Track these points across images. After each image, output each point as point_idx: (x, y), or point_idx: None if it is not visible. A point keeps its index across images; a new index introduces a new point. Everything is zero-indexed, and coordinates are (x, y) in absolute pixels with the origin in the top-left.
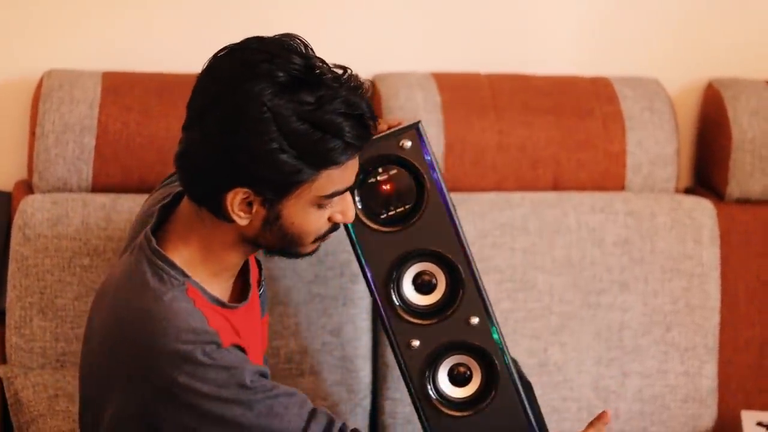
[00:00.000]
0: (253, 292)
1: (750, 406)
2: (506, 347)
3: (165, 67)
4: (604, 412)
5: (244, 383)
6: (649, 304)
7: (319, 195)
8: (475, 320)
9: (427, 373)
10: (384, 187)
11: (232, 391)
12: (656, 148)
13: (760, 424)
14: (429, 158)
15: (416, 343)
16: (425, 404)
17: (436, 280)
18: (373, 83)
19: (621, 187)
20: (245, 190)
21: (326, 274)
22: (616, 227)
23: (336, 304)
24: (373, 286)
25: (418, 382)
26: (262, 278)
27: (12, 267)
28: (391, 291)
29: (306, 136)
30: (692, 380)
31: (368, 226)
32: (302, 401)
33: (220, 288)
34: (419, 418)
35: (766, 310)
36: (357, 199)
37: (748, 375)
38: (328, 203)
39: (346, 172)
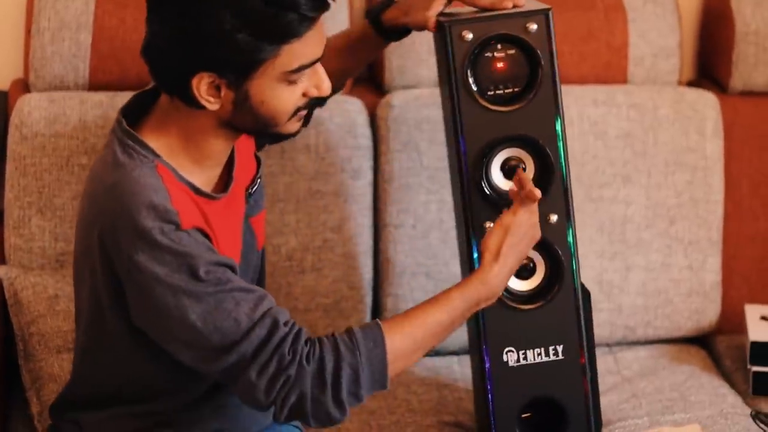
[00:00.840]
0: (235, 187)
1: (754, 300)
2: (577, 252)
3: None
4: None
5: (197, 273)
6: (652, 197)
7: (285, 71)
8: (554, 218)
9: None
10: (498, 64)
11: (182, 279)
12: (659, 40)
13: (764, 317)
14: (552, 46)
15: (490, 225)
16: None
17: (526, 169)
18: None
19: (623, 80)
20: (209, 74)
21: (327, 170)
22: (618, 120)
23: (337, 201)
24: (463, 158)
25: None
26: (258, 174)
27: (9, 166)
28: (481, 169)
29: (260, 12)
30: (696, 274)
31: (473, 98)
32: (257, 299)
33: (203, 177)
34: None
35: None
36: (469, 71)
37: (751, 269)
38: (297, 78)
39: (309, 45)
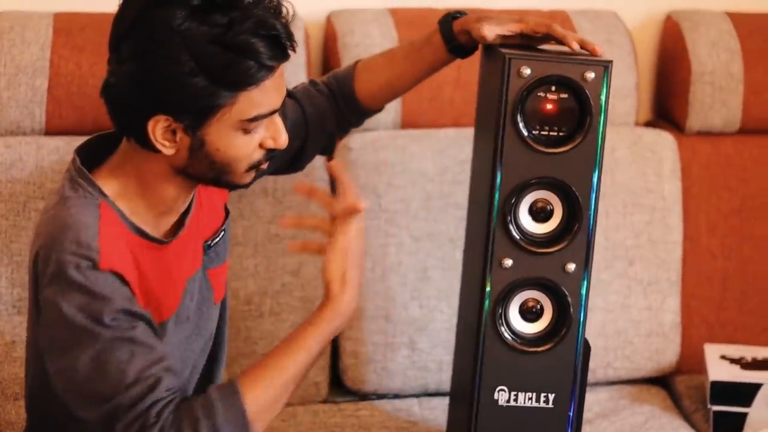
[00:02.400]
0: (187, 235)
1: (713, 340)
2: (587, 305)
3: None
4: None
5: (101, 317)
6: (611, 238)
7: (242, 119)
8: (571, 266)
9: (503, 299)
10: (548, 105)
11: (84, 319)
12: (615, 81)
13: (723, 357)
14: (606, 98)
15: (509, 262)
16: (489, 326)
17: (553, 214)
18: (328, 19)
19: None
20: (165, 117)
21: (285, 213)
22: None
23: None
24: (496, 193)
25: (493, 302)
26: (223, 226)
27: None
28: (510, 207)
29: (219, 58)
30: (655, 315)
31: (518, 135)
32: (155, 359)
33: (156, 223)
34: (478, 335)
35: (727, 244)
36: (519, 107)
37: (710, 308)
38: (254, 128)
39: (267, 94)
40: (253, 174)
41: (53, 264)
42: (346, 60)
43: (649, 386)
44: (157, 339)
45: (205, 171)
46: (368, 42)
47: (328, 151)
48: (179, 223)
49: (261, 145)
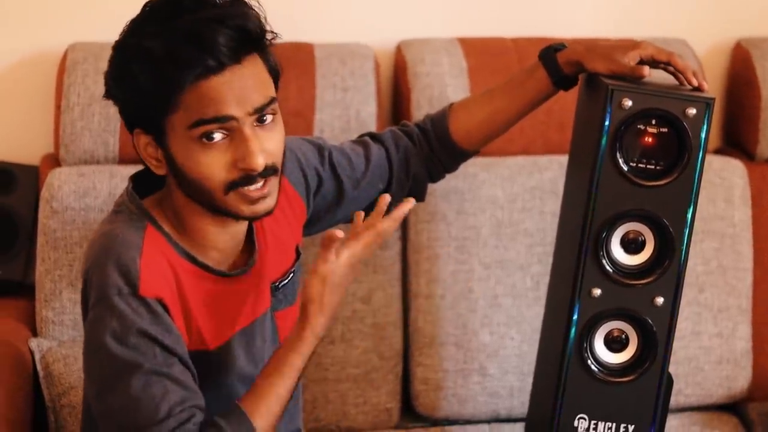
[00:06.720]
0: (249, 275)
1: None
2: (673, 339)
3: None
4: None
5: (138, 350)
6: None
7: (188, 125)
8: (660, 300)
9: (590, 329)
10: (647, 139)
11: (123, 350)
12: None
13: None
14: (706, 135)
15: (597, 292)
16: (574, 354)
17: (644, 246)
18: (398, 48)
19: None
20: (140, 130)
21: None
22: None
23: (366, 271)
24: (591, 219)
25: (579, 330)
26: (293, 268)
27: (40, 240)
28: (602, 237)
29: (155, 55)
30: (726, 342)
31: (616, 166)
32: (186, 398)
33: (208, 258)
34: (562, 363)
35: None
36: (618, 138)
37: None
38: (210, 139)
39: (206, 98)
40: (244, 201)
41: (96, 287)
42: (416, 89)
43: (720, 413)
44: (192, 379)
45: (191, 193)
46: (438, 71)
47: (417, 196)
48: (246, 260)
49: (235, 165)
